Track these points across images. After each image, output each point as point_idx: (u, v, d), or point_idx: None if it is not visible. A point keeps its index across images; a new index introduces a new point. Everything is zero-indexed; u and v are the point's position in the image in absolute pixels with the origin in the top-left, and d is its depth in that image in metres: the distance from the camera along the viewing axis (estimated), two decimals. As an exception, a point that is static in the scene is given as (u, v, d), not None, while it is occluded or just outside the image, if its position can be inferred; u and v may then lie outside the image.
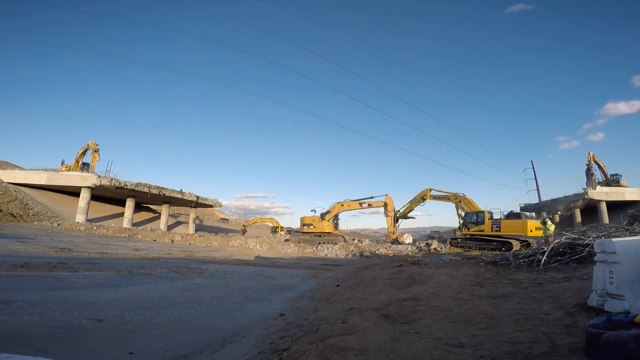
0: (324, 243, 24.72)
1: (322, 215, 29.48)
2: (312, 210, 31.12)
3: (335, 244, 25.57)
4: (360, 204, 29.51)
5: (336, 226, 30.40)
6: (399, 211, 31.49)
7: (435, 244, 23.79)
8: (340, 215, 30.48)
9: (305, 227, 29.33)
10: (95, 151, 32.57)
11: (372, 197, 29.08)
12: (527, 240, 19.61)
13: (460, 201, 27.87)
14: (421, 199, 30.43)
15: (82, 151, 32.92)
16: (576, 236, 8.32)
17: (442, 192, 29.05)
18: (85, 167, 32.77)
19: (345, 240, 28.09)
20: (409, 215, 31.57)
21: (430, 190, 30.30)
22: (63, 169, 30.98)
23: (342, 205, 29.77)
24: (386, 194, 28.83)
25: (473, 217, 23.80)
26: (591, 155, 39.79)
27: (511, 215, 21.83)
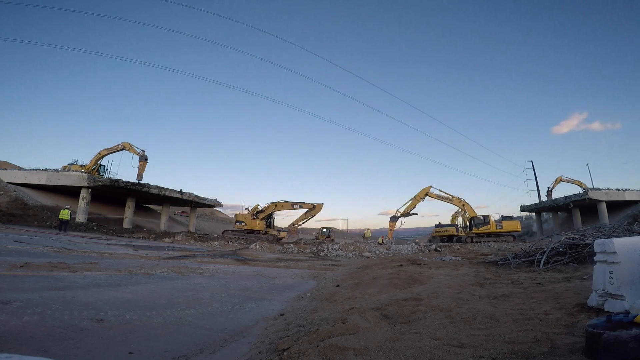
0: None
1: (257, 214, 31.56)
2: (245, 208, 33.75)
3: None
4: (292, 205, 32.22)
5: (269, 225, 32.68)
6: (398, 210, 32.76)
7: (434, 246, 23.89)
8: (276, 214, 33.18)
9: (237, 224, 31.32)
10: (144, 159, 29.55)
11: (303, 202, 32.16)
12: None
13: (464, 205, 33.32)
14: (424, 196, 32.40)
15: (106, 153, 30.67)
16: (576, 236, 8.31)
17: (445, 193, 32.22)
18: (103, 168, 31.11)
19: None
20: (411, 212, 32.83)
21: (430, 187, 32.35)
22: (77, 169, 29.43)
23: (276, 205, 32.33)
24: (321, 203, 32.00)
25: (480, 219, 31.79)
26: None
27: (506, 218, 31.90)
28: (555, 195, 38.63)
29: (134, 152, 30.43)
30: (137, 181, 29.51)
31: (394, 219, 33.30)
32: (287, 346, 2.93)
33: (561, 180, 39.28)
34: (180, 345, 3.11)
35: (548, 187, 40.07)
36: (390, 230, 34.04)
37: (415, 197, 33.15)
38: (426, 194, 33.05)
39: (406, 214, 33.40)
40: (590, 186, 36.79)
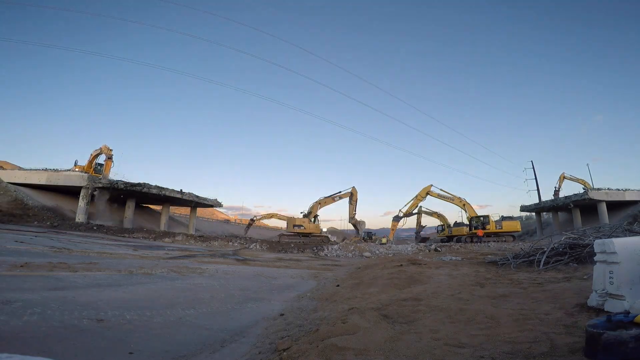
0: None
1: (305, 217, 31.91)
2: (301, 212, 33.73)
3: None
4: (333, 199, 32.80)
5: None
6: (400, 210, 33.11)
7: (434, 246, 23.92)
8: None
9: (296, 227, 31.38)
10: (109, 158, 30.79)
11: (340, 192, 32.98)
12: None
13: (464, 205, 33.36)
14: (425, 195, 32.79)
15: (95, 154, 31.70)
16: (576, 236, 8.31)
17: (446, 192, 34.16)
18: (100, 167, 31.77)
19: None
20: (413, 212, 33.34)
21: (431, 186, 32.72)
22: (76, 170, 30.16)
23: (320, 203, 32.72)
24: (353, 186, 32.87)
25: (480, 219, 31.87)
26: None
27: (506, 218, 32.01)
28: (562, 194, 38.40)
29: (107, 154, 30.89)
30: (137, 182, 29.62)
31: (396, 218, 33.77)
32: (287, 346, 2.93)
33: (564, 177, 38.86)
34: (180, 345, 3.11)
35: (555, 187, 39.50)
36: (392, 230, 34.31)
37: (416, 196, 33.52)
38: (427, 193, 33.44)
39: (408, 213, 33.78)
40: (590, 186, 36.71)
